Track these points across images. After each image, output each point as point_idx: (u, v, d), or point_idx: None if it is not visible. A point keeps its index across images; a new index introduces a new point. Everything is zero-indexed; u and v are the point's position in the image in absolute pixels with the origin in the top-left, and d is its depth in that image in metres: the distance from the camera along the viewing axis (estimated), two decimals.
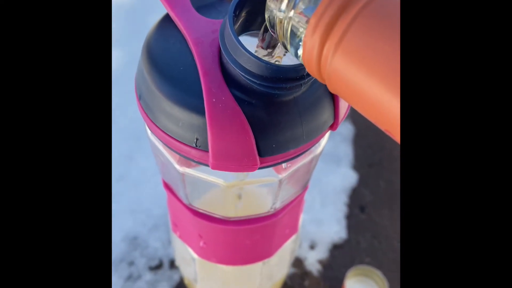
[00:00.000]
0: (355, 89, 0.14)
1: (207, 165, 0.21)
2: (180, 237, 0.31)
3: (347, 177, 0.54)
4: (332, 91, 0.16)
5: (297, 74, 0.18)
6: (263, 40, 0.20)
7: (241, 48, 0.18)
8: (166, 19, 0.23)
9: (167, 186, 0.28)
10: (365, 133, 0.58)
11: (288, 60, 0.21)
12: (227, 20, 0.19)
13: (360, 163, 0.55)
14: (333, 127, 0.22)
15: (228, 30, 0.19)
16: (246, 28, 0.21)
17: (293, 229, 0.31)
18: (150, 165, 0.53)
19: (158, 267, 0.46)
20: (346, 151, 0.56)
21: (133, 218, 0.48)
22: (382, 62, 0.13)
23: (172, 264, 0.45)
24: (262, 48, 0.21)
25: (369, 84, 0.14)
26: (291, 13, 0.16)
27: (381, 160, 0.56)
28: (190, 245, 0.30)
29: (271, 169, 0.23)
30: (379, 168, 0.56)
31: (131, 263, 0.46)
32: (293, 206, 0.28)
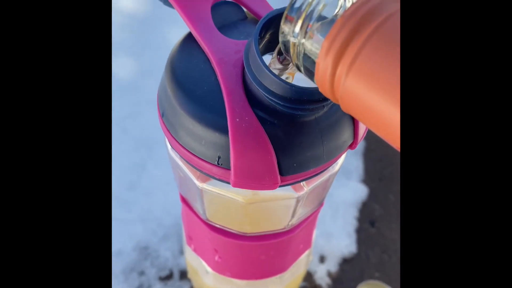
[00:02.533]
0: (368, 108, 0.15)
1: (228, 183, 0.21)
2: (195, 250, 0.31)
3: (357, 191, 0.54)
4: (345, 111, 0.16)
5: (320, 96, 0.19)
6: (278, 59, 0.21)
7: (267, 71, 0.18)
8: (189, 37, 0.23)
9: (184, 200, 0.28)
10: (375, 147, 0.59)
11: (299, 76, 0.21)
12: (252, 43, 0.19)
13: (370, 177, 0.56)
14: (352, 146, 0.23)
15: (253, 52, 0.19)
16: (269, 49, 0.22)
17: (307, 244, 0.31)
18: (161, 174, 0.53)
19: (168, 277, 0.46)
20: (357, 165, 0.56)
21: (144, 227, 0.49)
22: (393, 82, 0.13)
23: (182, 275, 0.46)
24: (277, 63, 0.21)
25: (381, 103, 0.14)
26: (305, 36, 0.17)
27: (391, 174, 0.56)
28: (205, 259, 0.30)
29: (290, 187, 0.23)
30: (389, 182, 0.56)
31: (142, 273, 0.46)
32: (308, 223, 0.28)
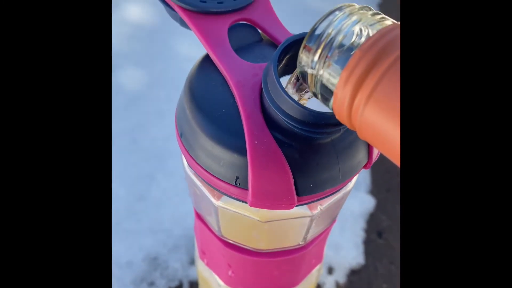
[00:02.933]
0: (384, 136, 0.15)
1: (246, 202, 0.22)
2: (208, 264, 0.31)
3: (365, 202, 0.54)
4: (362, 138, 0.17)
5: (337, 120, 0.19)
6: (294, 84, 0.21)
7: (285, 96, 0.19)
8: (206, 59, 0.24)
9: (198, 216, 0.29)
10: (383, 159, 0.59)
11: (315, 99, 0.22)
12: (271, 69, 0.19)
13: (378, 188, 0.56)
14: (366, 166, 0.23)
15: (272, 78, 0.19)
16: (285, 72, 0.22)
17: (319, 259, 0.32)
18: (171, 186, 0.53)
19: None
20: (364, 176, 0.57)
21: (153, 238, 0.49)
22: None
23: (192, 286, 0.46)
24: (292, 89, 0.22)
25: (397, 131, 0.14)
26: (323, 66, 0.17)
27: (398, 185, 0.57)
28: (218, 273, 0.30)
29: (305, 207, 0.24)
30: (396, 193, 0.56)
31: (152, 284, 0.46)
32: (321, 239, 0.28)
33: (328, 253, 0.49)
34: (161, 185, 0.54)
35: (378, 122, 0.15)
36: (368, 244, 0.51)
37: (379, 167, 0.58)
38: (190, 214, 0.51)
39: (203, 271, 0.34)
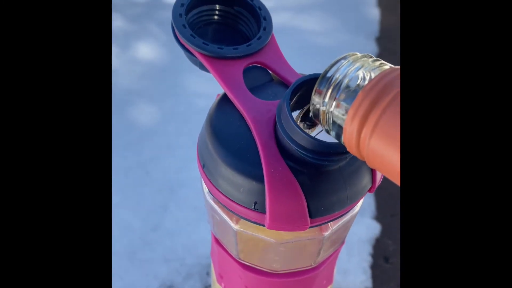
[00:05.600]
0: (390, 164, 0.17)
1: (263, 225, 0.24)
2: None
3: (371, 227, 0.56)
4: (371, 167, 0.19)
5: (344, 149, 0.22)
6: (303, 122, 0.24)
7: (298, 129, 0.22)
8: (224, 98, 0.27)
9: (217, 241, 0.31)
10: (386, 185, 0.61)
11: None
12: (284, 106, 0.22)
13: (383, 214, 0.58)
14: (371, 189, 0.26)
15: (285, 114, 0.22)
16: (295, 108, 0.25)
17: (329, 280, 0.33)
18: (183, 216, 0.56)
19: None
20: (369, 202, 0.59)
21: (167, 266, 0.51)
22: None
23: None
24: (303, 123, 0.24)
25: (398, 158, 0.17)
26: (333, 105, 0.20)
27: None
28: None
29: (317, 228, 0.26)
30: None
31: None
32: (331, 260, 0.31)
33: (337, 278, 0.51)
34: (174, 215, 0.56)
35: (382, 151, 0.17)
36: (375, 269, 0.52)
37: (383, 192, 0.60)
38: (202, 243, 0.53)
39: None
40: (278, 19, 0.87)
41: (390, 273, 0.52)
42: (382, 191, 0.61)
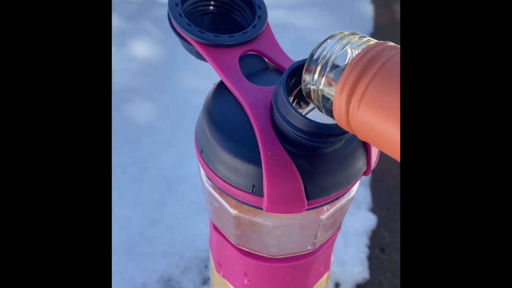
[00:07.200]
0: (378, 133, 0.18)
1: (261, 208, 0.24)
2: (224, 276, 0.33)
3: (367, 220, 0.57)
4: (361, 139, 0.20)
5: (339, 130, 0.22)
6: (295, 101, 0.25)
7: (294, 111, 0.22)
8: (220, 86, 0.27)
9: (215, 228, 0.32)
10: (382, 178, 0.62)
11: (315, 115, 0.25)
12: (280, 89, 0.23)
13: (378, 206, 0.59)
14: (366, 172, 0.26)
15: (282, 97, 0.23)
16: (290, 93, 0.26)
17: (327, 266, 0.34)
18: (181, 210, 0.56)
19: None
20: (365, 195, 0.59)
21: (166, 260, 0.51)
22: (395, 109, 0.17)
23: None
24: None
25: (386, 127, 0.17)
26: (322, 81, 0.21)
27: (398, 202, 0.59)
28: (234, 283, 0.33)
29: (313, 211, 0.27)
30: (396, 210, 0.58)
31: None
32: (328, 245, 0.31)
33: (334, 269, 0.51)
34: (172, 210, 0.56)
35: (371, 121, 0.18)
36: (372, 260, 0.53)
37: (379, 186, 0.61)
38: (200, 236, 0.53)
39: (218, 284, 0.36)
40: (273, 16, 0.88)
41: (386, 263, 0.53)
42: (378, 184, 0.61)
